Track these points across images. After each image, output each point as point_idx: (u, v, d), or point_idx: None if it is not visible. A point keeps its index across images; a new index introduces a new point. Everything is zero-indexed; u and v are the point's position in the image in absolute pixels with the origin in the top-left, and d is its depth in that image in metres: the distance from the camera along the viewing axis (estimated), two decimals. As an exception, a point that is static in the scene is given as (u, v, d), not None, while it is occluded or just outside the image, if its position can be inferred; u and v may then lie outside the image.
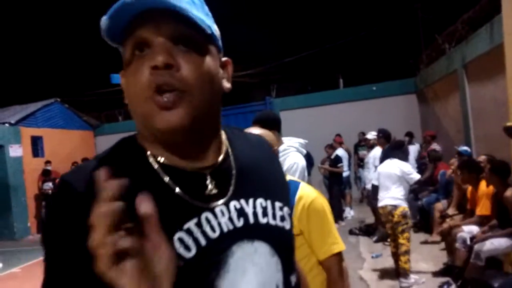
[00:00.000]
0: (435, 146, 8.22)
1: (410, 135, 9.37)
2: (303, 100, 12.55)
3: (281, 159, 2.88)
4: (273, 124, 2.79)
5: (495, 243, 4.26)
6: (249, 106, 11.99)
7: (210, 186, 0.76)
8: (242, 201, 0.79)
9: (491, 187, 4.95)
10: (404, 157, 5.27)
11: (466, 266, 4.39)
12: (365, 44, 15.85)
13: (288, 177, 1.91)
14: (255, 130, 1.77)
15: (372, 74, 13.38)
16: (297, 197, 1.82)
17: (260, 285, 0.75)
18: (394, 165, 5.05)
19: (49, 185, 11.42)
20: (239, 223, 0.76)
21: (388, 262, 5.51)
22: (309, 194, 1.84)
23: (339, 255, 1.79)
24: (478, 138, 7.65)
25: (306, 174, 2.84)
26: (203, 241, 0.71)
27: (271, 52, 16.22)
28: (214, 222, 0.74)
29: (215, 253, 0.72)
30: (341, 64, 14.67)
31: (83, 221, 0.55)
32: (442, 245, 5.79)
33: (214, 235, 0.73)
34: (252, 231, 0.77)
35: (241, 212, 0.77)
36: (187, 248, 0.70)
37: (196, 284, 0.70)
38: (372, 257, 6.13)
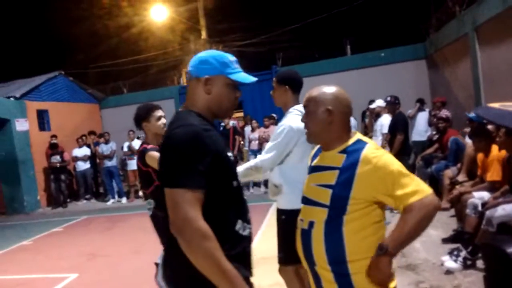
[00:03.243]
0: (445, 112, 8.07)
1: (421, 101, 9.21)
2: (310, 68, 12.31)
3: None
4: (285, 80, 2.98)
5: (507, 209, 4.18)
6: (255, 76, 11.81)
7: None
8: None
9: (502, 152, 4.85)
10: None
11: (477, 233, 4.34)
12: (372, 9, 15.42)
13: (356, 138, 1.89)
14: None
15: (381, 40, 13.05)
16: (361, 158, 1.76)
17: None
18: None
19: (56, 158, 11.46)
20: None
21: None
22: (376, 153, 1.78)
23: (420, 200, 1.72)
24: (489, 103, 7.47)
25: (302, 137, 2.57)
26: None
27: (276, 19, 15.85)
28: None
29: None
30: (348, 30, 14.32)
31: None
32: (452, 212, 5.74)
33: None
34: None
35: None
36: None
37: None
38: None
